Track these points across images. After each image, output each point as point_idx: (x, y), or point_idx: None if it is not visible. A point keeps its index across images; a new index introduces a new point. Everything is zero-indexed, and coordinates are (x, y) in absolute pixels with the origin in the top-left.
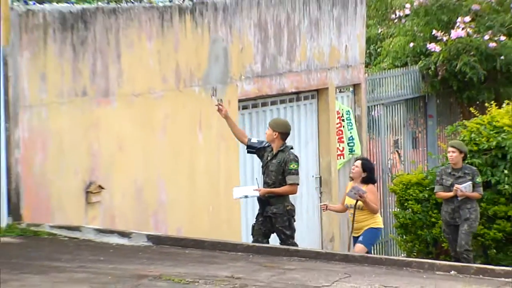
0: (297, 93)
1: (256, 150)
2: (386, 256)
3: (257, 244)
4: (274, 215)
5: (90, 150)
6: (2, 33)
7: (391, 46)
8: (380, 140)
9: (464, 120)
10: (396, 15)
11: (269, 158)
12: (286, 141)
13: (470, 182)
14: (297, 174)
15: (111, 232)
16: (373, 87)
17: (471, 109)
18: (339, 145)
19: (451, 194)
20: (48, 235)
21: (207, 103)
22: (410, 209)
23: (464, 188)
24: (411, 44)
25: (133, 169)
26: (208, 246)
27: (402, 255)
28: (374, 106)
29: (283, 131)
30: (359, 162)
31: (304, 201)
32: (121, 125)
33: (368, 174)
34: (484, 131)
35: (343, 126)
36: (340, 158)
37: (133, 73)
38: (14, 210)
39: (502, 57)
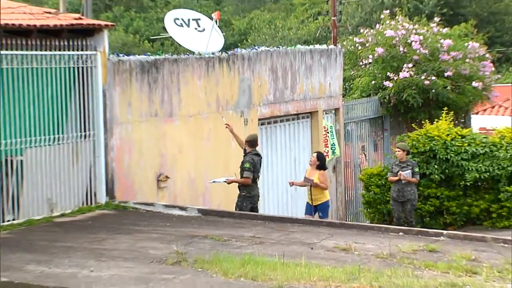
0: (297, 114)
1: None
2: (357, 223)
3: (271, 215)
4: (238, 196)
5: (160, 152)
6: (102, 75)
7: (359, 83)
8: (353, 146)
9: (408, 132)
10: (363, 62)
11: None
12: (254, 148)
13: (410, 170)
14: (249, 171)
15: (174, 206)
16: (348, 110)
17: (413, 125)
18: (325, 149)
19: (396, 178)
20: (132, 209)
21: (236, 121)
22: (372, 191)
23: (406, 174)
24: (373, 82)
25: (188, 165)
26: (237, 216)
27: (367, 222)
28: (349, 123)
29: (248, 140)
30: (315, 154)
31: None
32: (180, 136)
33: (321, 163)
34: (421, 140)
35: (328, 136)
36: (326, 157)
37: (188, 101)
38: (110, 192)
39: (433, 90)
